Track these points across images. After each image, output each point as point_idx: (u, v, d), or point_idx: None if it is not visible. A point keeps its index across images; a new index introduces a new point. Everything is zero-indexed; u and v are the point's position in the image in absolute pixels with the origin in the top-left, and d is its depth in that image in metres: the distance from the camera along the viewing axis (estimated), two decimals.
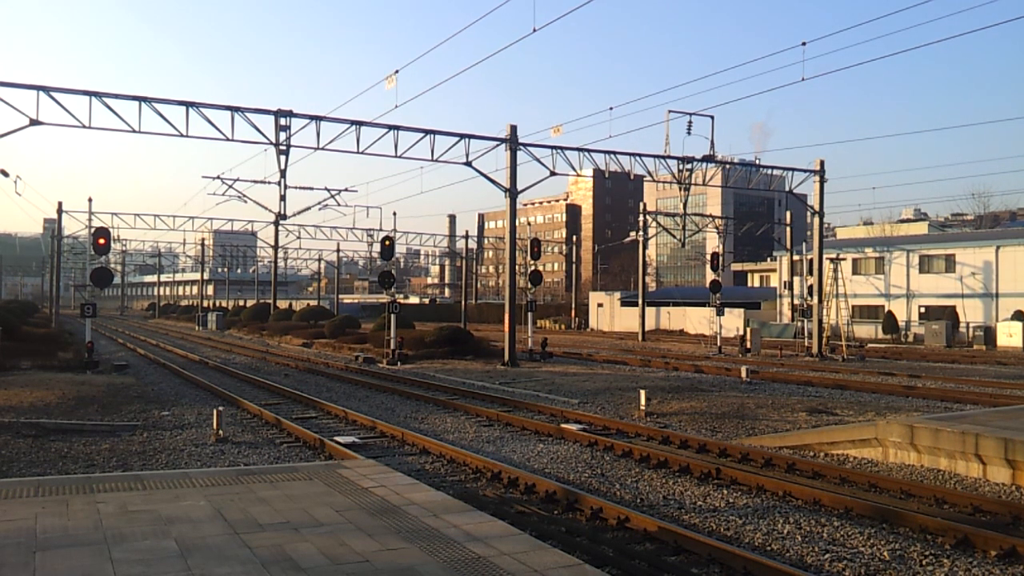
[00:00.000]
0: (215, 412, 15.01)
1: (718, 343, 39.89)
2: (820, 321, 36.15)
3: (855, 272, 53.39)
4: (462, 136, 29.51)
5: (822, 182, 36.20)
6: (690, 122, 32.61)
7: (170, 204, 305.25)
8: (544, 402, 19.14)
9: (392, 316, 31.47)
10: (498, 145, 30.27)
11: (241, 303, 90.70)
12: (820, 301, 36.47)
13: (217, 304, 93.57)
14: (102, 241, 27.20)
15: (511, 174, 30.07)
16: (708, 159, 34.36)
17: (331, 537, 6.72)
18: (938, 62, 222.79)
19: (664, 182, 41.72)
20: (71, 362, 27.49)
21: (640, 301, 52.12)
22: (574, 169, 32.67)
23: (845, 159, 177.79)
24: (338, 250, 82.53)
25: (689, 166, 34.06)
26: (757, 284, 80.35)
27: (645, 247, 55.36)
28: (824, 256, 37.64)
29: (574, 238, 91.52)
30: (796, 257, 54.80)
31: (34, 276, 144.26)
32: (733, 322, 50.76)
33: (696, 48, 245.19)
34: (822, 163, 36.23)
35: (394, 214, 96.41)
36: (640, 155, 32.83)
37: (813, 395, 20.79)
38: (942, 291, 49.44)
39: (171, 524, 7.04)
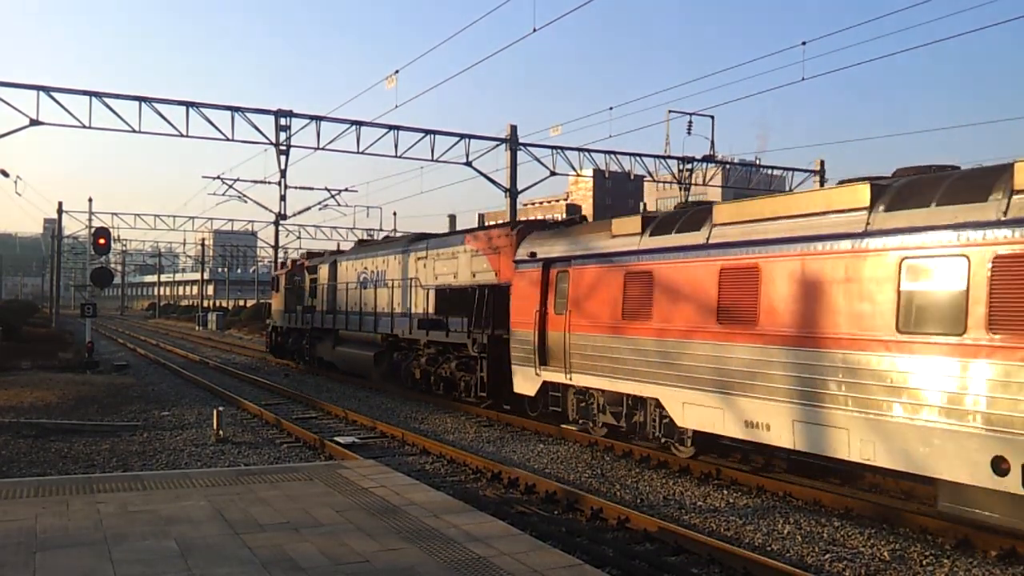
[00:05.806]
0: (215, 412, 14.99)
1: None
2: None
3: None
4: (462, 136, 29.53)
5: (822, 182, 36.19)
6: (690, 122, 32.67)
7: (170, 204, 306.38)
8: None
9: None
10: (498, 145, 30.28)
11: (241, 303, 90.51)
12: None
13: (217, 304, 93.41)
14: (102, 241, 27.18)
15: (511, 174, 30.07)
16: (708, 159, 34.38)
17: (331, 537, 6.71)
18: (938, 62, 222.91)
19: (664, 182, 41.71)
20: (71, 362, 27.48)
21: None
22: (574, 169, 32.71)
23: (845, 159, 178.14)
24: (338, 250, 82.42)
25: (689, 166, 34.06)
26: None
27: None
28: None
29: None
30: None
31: (34, 276, 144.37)
32: None
33: (696, 48, 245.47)
34: (822, 163, 36.29)
35: (394, 214, 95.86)
36: (640, 155, 32.86)
37: None
38: None
39: (171, 524, 7.03)
